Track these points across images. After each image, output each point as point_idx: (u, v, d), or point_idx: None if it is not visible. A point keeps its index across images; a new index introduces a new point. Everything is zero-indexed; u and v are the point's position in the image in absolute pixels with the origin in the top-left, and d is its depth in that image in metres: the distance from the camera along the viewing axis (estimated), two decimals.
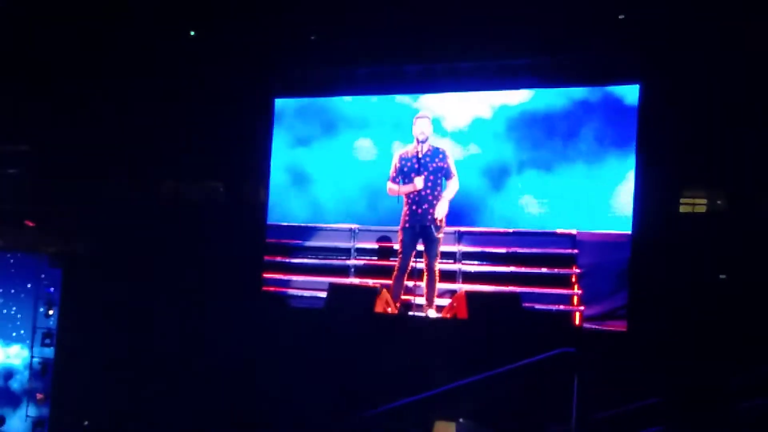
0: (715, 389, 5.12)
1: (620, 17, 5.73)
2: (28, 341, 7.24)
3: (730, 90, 5.45)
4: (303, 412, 5.76)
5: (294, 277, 7.27)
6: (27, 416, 7.16)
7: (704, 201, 5.78)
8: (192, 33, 6.88)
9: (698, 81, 5.51)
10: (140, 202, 7.55)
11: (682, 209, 5.78)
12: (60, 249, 7.37)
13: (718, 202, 5.73)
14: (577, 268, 6.47)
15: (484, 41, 6.24)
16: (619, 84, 6.19)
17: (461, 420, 5.24)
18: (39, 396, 7.15)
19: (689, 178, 5.78)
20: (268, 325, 6.37)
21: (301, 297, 7.11)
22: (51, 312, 7.15)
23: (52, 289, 7.17)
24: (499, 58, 6.45)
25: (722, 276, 5.51)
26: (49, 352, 7.15)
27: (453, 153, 6.62)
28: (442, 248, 6.53)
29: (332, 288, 6.52)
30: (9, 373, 7.32)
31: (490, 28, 6.13)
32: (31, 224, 7.35)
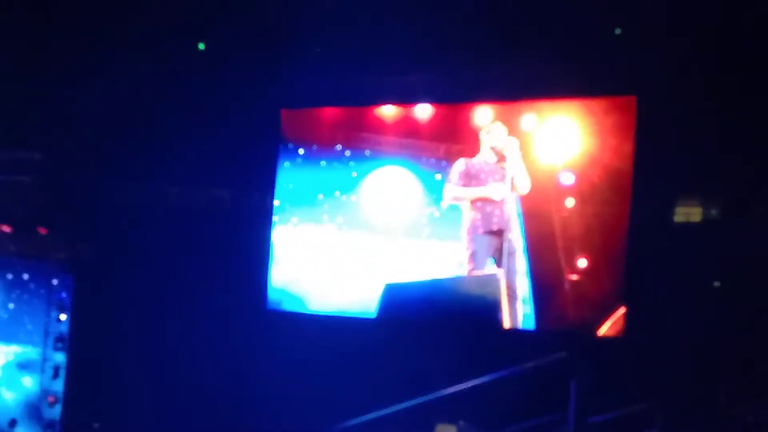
0: (709, 394, 5.24)
1: (617, 32, 5.82)
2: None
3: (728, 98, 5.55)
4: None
5: None
6: None
7: (699, 210, 5.88)
8: (201, 47, 7.01)
9: (694, 93, 5.60)
10: (150, 209, 7.68)
11: (677, 219, 5.89)
12: (71, 255, 7.51)
13: (713, 212, 5.83)
14: None
15: (486, 52, 6.34)
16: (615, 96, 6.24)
17: (461, 423, 5.37)
18: (50, 399, 7.29)
19: (684, 188, 5.89)
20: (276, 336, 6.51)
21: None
22: (63, 317, 7.31)
23: (64, 294, 7.34)
24: (499, 69, 6.54)
25: (716, 283, 5.62)
26: (60, 355, 7.31)
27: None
28: None
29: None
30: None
31: (491, 39, 6.23)
32: (43, 231, 7.48)
